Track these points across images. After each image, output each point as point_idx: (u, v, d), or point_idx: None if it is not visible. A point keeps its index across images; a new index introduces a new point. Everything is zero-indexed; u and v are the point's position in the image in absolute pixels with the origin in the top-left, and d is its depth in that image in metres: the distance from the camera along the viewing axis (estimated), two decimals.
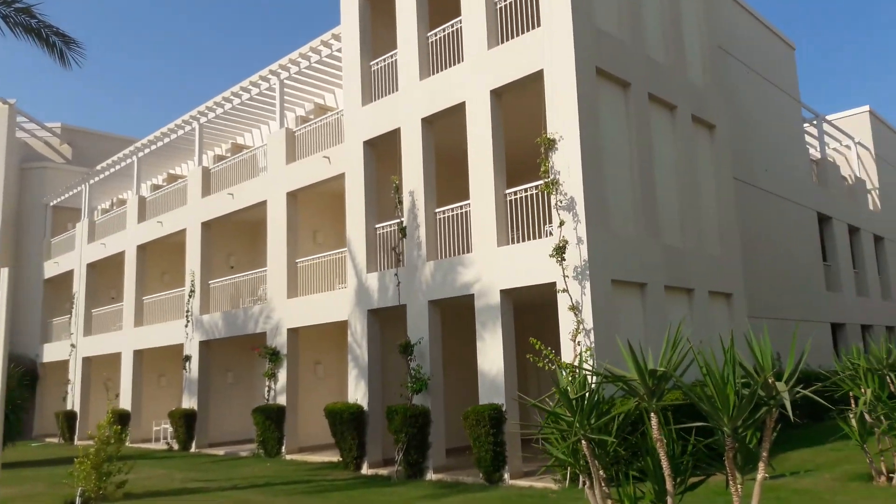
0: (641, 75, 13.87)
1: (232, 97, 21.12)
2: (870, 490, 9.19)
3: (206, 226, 21.47)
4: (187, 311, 21.07)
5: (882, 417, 9.44)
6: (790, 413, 4.67)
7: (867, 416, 9.67)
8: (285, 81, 19.61)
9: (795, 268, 20.71)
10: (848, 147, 27.94)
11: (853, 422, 9.81)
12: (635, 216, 13.29)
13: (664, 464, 5.44)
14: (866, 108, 28.67)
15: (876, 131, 28.90)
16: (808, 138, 24.84)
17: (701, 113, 15.64)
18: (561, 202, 12.04)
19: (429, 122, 14.48)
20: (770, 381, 4.87)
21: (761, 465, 4.98)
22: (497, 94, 13.31)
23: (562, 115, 12.17)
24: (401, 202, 14.54)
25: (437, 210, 14.22)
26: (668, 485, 5.43)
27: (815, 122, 25.18)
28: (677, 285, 13.84)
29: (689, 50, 16.00)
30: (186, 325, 21.00)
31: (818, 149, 25.22)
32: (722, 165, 16.14)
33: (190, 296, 21.07)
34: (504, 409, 12.06)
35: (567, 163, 12.03)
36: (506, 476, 11.91)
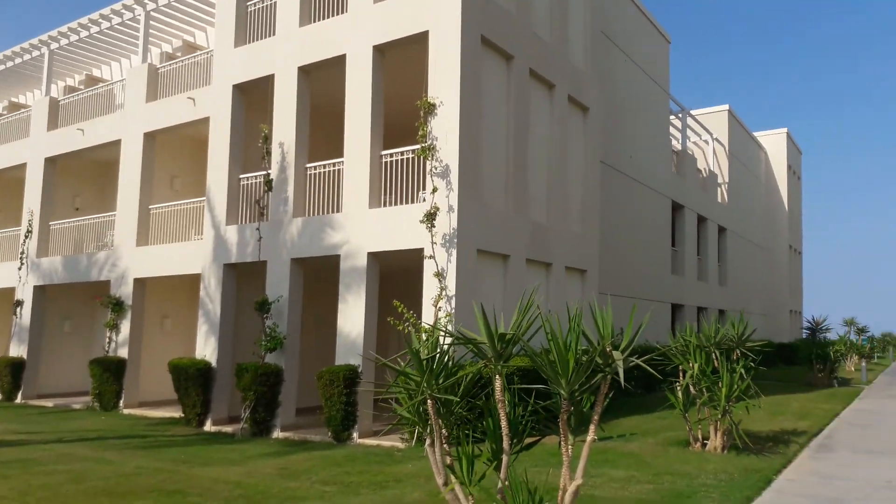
0: (525, 50, 14.04)
1: (90, 24, 19.33)
2: (685, 454, 10.03)
3: (51, 162, 19.68)
4: (22, 253, 19.33)
5: (704, 390, 10.31)
6: (622, 380, 4.94)
7: (692, 389, 10.52)
8: (152, 14, 18.18)
9: (647, 251, 22.07)
10: (706, 142, 30.00)
11: (679, 393, 10.65)
12: (506, 190, 13.54)
13: (503, 424, 5.61)
14: (726, 107, 30.88)
15: (732, 130, 31.24)
16: (671, 130, 26.39)
17: (577, 95, 16.12)
18: (436, 169, 12.02)
19: (305, 72, 13.96)
20: (608, 349, 5.12)
21: (592, 428, 5.26)
22: (380, 51, 13.01)
23: (444, 80, 12.10)
24: (269, 153, 13.97)
25: (309, 165, 13.80)
26: (505, 444, 5.61)
27: (680, 116, 26.76)
28: (538, 259, 14.31)
29: (572, 31, 16.38)
30: (20, 268, 19.28)
31: (680, 141, 26.85)
32: (591, 148, 16.76)
33: (26, 236, 19.33)
34: (360, 370, 12.04)
35: (445, 129, 12.01)
36: (355, 435, 11.94)
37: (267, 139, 13.92)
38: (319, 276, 15.02)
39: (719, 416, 10.13)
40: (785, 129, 38.70)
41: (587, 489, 7.93)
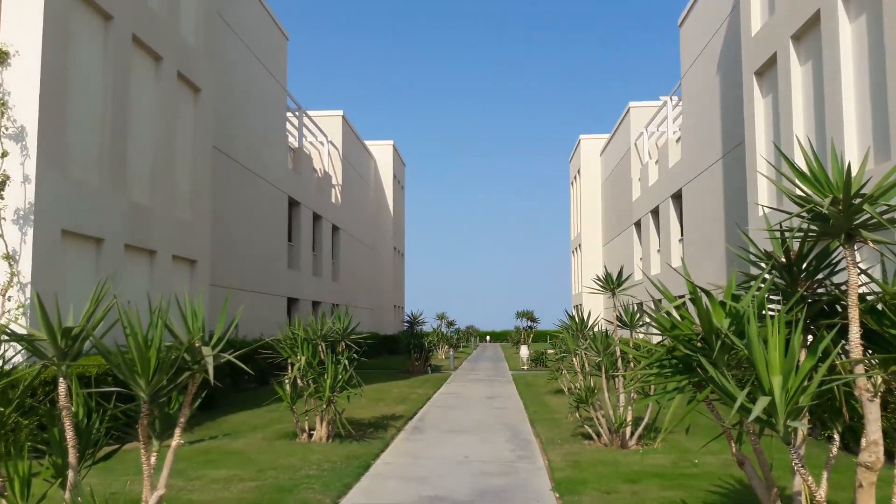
0: (128, 13, 12.45)
1: None
2: (291, 447, 9.85)
3: None
4: None
5: (310, 381, 10.25)
6: (211, 378, 4.37)
7: (299, 381, 10.39)
8: None
9: (263, 244, 21.70)
10: (322, 143, 30.89)
11: (287, 386, 10.43)
12: (101, 164, 11.81)
13: (68, 434, 4.57)
14: (340, 112, 32.22)
15: (345, 135, 32.73)
16: (289, 127, 26.48)
17: (188, 73, 14.93)
18: (7, 129, 9.84)
19: None
20: (197, 345, 4.49)
21: (178, 432, 4.56)
22: None
23: (22, 24, 9.98)
24: None
25: None
26: (71, 457, 4.57)
27: (297, 114, 27.00)
28: (140, 245, 12.82)
29: (185, 5, 15.11)
30: None
31: (297, 139, 27.10)
32: (202, 131, 15.70)
33: None
34: None
35: (22, 84, 9.90)
36: None
37: None
38: None
39: (324, 407, 10.16)
40: (391, 142, 42.26)
41: (186, 493, 7.15)
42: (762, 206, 7.04)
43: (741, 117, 18.35)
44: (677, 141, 25.83)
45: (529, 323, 50.53)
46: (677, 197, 25.76)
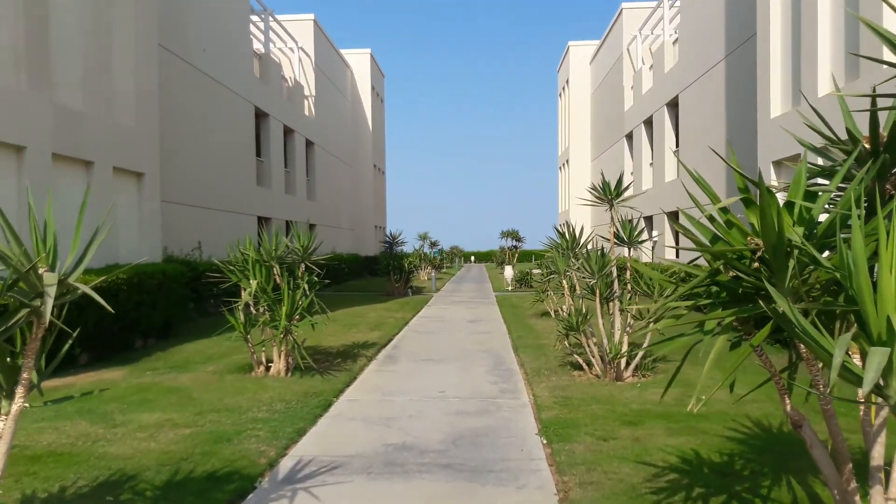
0: None
1: None
2: (244, 383, 8.68)
3: None
4: None
5: (265, 309, 8.99)
6: (47, 317, 3.03)
7: (253, 308, 9.13)
8: None
9: (228, 159, 20.05)
10: (292, 50, 28.65)
11: (240, 313, 9.18)
12: (17, 59, 10.09)
13: None
14: (311, 16, 29.81)
15: (318, 41, 30.42)
16: (255, 31, 24.29)
17: None
18: None
19: None
20: (41, 272, 3.12)
21: (18, 391, 3.25)
22: None
23: None
24: None
25: None
26: None
27: (263, 16, 24.75)
28: (72, 155, 11.26)
29: None
30: None
31: (263, 44, 24.95)
32: (145, 27, 13.80)
33: None
34: None
35: None
36: None
37: None
38: None
39: (281, 337, 8.93)
40: (368, 50, 39.75)
41: (102, 445, 5.98)
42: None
43: (746, 10, 16.63)
44: (674, 43, 23.96)
45: (514, 242, 49.51)
46: (673, 105, 24.16)
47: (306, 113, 29.05)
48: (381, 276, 24.09)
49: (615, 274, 8.61)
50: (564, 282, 9.03)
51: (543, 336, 12.90)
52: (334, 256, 29.28)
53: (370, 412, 7.33)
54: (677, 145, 23.66)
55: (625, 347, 8.66)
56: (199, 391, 8.26)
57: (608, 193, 8.38)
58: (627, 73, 31.04)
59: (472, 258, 78.34)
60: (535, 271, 39.29)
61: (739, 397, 7.26)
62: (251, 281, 8.86)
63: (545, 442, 6.16)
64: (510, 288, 26.93)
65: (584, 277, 8.40)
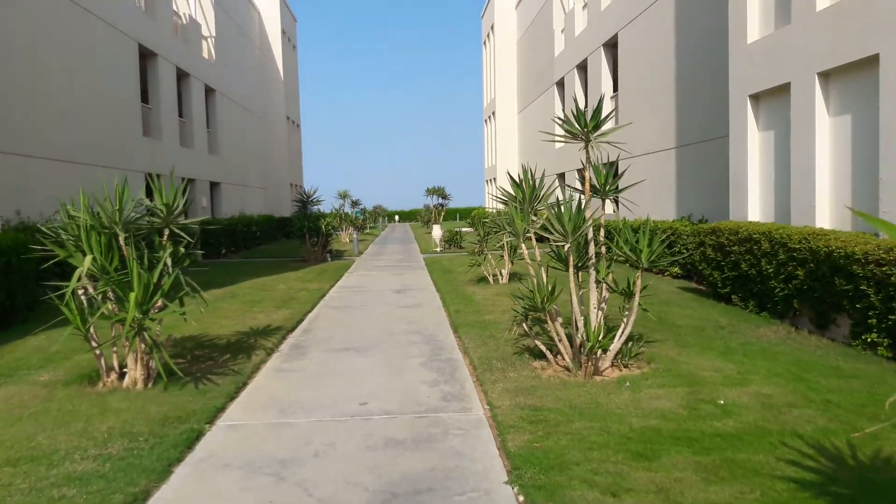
0: None
1: None
2: (80, 400, 6.10)
3: None
4: None
5: (107, 295, 6.39)
6: None
7: (92, 293, 6.51)
8: None
9: (103, 104, 16.76)
10: None
11: (77, 300, 6.55)
12: None
13: None
14: None
15: None
16: None
17: None
18: None
19: None
20: None
21: None
22: None
23: None
24: None
25: None
26: None
27: None
28: None
29: None
30: None
31: None
32: None
33: None
34: None
35: None
36: None
37: None
38: None
39: (132, 334, 6.35)
40: None
41: None
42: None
43: None
44: None
45: (440, 200, 47.22)
46: (611, 46, 22.12)
47: (205, 56, 25.51)
48: (295, 239, 21.39)
49: (591, 236, 6.43)
50: (523, 246, 6.77)
51: (486, 309, 10.73)
52: (241, 218, 26.27)
53: (256, 450, 4.95)
54: (615, 90, 21.73)
55: (603, 333, 6.55)
56: (5, 420, 5.65)
57: (583, 124, 6.12)
58: (558, 15, 28.79)
59: (397, 217, 75.81)
60: (466, 230, 37.25)
61: (750, 389, 5.22)
62: (85, 257, 6.21)
63: (522, 500, 3.98)
64: (439, 249, 24.72)
65: (554, 241, 6.16)
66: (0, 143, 12.56)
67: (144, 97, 20.47)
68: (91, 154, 15.80)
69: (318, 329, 9.74)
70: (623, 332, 6.64)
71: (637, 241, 6.36)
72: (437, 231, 25.34)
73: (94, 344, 6.71)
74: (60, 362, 7.67)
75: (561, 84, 28.51)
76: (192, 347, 8.42)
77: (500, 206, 29.79)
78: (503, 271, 14.21)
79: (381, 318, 10.49)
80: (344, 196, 37.18)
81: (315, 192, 21.74)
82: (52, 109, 14.36)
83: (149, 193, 20.25)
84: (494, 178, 41.31)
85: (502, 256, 14.60)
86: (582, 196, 6.49)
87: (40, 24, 14.07)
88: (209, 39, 26.10)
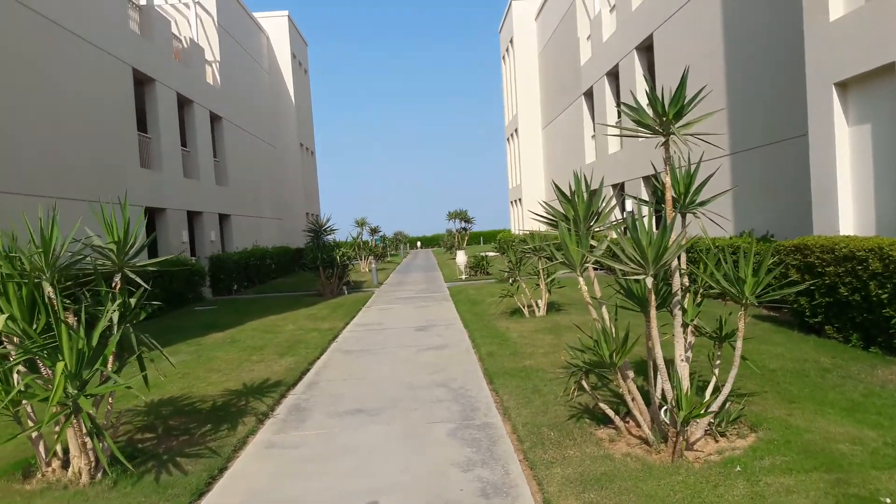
0: None
1: None
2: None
3: None
4: None
5: (28, 365, 4.83)
6: None
7: (11, 361, 4.95)
8: None
9: (93, 134, 15.45)
10: (187, 5, 23.86)
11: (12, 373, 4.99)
12: None
13: None
14: None
15: None
16: None
17: None
18: None
19: None
20: None
21: None
22: None
23: None
24: None
25: None
26: None
27: None
28: None
29: None
30: None
31: None
32: None
33: None
34: None
35: None
36: None
37: None
38: None
39: (63, 416, 4.77)
40: (286, 13, 34.90)
41: None
42: None
43: None
44: None
45: (464, 224, 45.64)
46: (645, 48, 20.50)
47: (209, 81, 24.32)
48: (309, 271, 19.88)
49: (677, 265, 4.75)
50: (581, 280, 5.09)
51: (524, 351, 9.03)
52: (254, 251, 24.87)
53: None
54: None
55: (694, 394, 4.83)
56: None
57: (662, 113, 4.47)
58: (582, 22, 27.28)
59: (419, 244, 74.37)
60: (492, 254, 35.52)
61: None
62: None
63: None
64: (464, 276, 23.06)
65: (627, 273, 4.47)
66: None
67: (143, 126, 19.21)
68: (77, 188, 14.45)
69: (325, 382, 8.11)
70: (722, 392, 4.93)
71: (735, 268, 4.67)
72: (461, 257, 23.71)
73: (30, 424, 5.15)
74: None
75: (589, 94, 26.91)
76: (168, 415, 6.82)
77: (529, 228, 28.10)
78: (539, 302, 12.50)
79: (400, 365, 8.83)
80: (361, 224, 35.75)
81: (328, 220, 20.27)
82: (31, 140, 13.04)
83: (149, 227, 18.89)
84: (520, 199, 39.66)
85: (538, 285, 12.89)
86: (658, 210, 4.82)
87: (16, 48, 12.82)
88: (214, 64, 24.94)
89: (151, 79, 18.81)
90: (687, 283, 5.23)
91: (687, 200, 5.15)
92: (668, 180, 4.70)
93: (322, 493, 4.61)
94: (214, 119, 24.49)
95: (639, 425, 5.24)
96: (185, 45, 22.17)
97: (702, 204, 5.28)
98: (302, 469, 5.14)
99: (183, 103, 21.55)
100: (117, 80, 16.75)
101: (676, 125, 4.55)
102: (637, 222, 4.36)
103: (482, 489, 4.53)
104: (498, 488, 4.53)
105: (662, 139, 4.62)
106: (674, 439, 4.79)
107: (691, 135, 4.54)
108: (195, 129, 22.11)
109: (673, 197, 5.06)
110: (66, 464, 5.28)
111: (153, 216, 18.99)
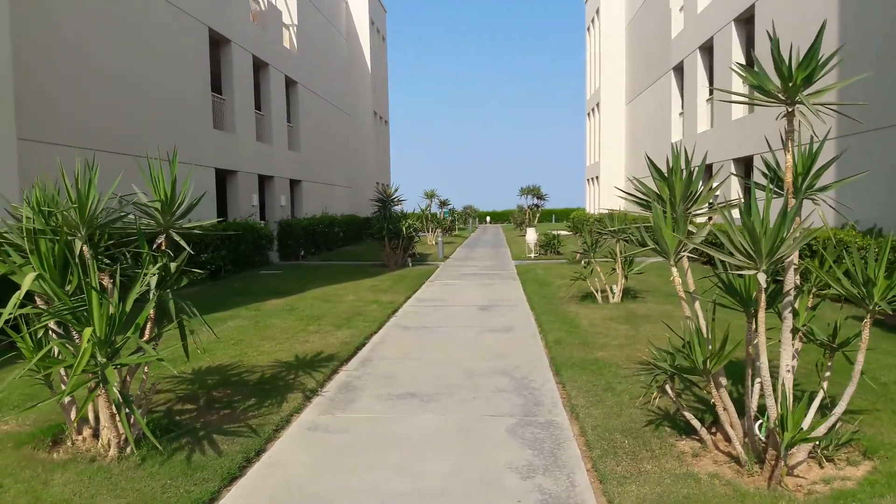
0: None
1: None
2: (27, 474, 4.23)
3: None
4: None
5: (62, 328, 4.49)
6: None
7: (51, 326, 4.63)
8: None
9: (168, 93, 15.40)
10: None
11: (42, 335, 4.71)
12: None
13: None
14: None
15: None
16: None
17: None
18: None
19: None
20: None
21: None
22: None
23: None
24: None
25: None
26: None
27: None
28: None
29: None
30: None
31: None
32: None
33: None
34: None
35: None
36: None
37: None
38: None
39: (91, 384, 4.42)
40: None
41: None
42: None
43: None
44: None
45: (536, 200, 44.58)
46: (744, 20, 19.01)
47: (286, 45, 24.13)
48: (375, 241, 19.57)
49: (794, 260, 3.97)
50: (675, 271, 4.36)
51: (596, 341, 8.32)
52: (323, 218, 24.76)
53: None
54: None
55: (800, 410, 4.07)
56: None
57: (788, 77, 3.67)
58: None
59: (488, 219, 73.57)
60: (564, 233, 34.50)
61: None
62: (28, 273, 4.32)
63: None
64: (533, 255, 22.29)
65: (735, 265, 3.73)
66: (45, 133, 11.24)
67: (217, 87, 19.14)
68: (152, 144, 14.42)
69: (380, 360, 7.64)
70: (833, 412, 4.15)
71: (865, 267, 3.85)
72: (531, 234, 22.93)
73: (57, 391, 4.86)
74: (19, 411, 5.85)
75: (679, 69, 25.43)
76: (214, 385, 6.50)
77: (607, 207, 26.96)
78: (614, 287, 11.70)
79: (460, 347, 8.28)
80: (431, 196, 35.27)
81: (396, 190, 19.83)
82: (102, 98, 13.01)
83: (223, 194, 18.89)
84: (597, 177, 38.33)
85: (613, 269, 12.07)
86: (776, 195, 4.04)
87: (91, 7, 12.74)
88: (291, 28, 24.73)
89: (228, 40, 18.67)
90: (799, 282, 4.44)
91: (805, 184, 4.33)
92: (789, 159, 3.91)
93: (359, 494, 4.11)
94: (290, 83, 24.34)
95: (728, 440, 4.53)
96: (263, 8, 21.98)
97: (822, 189, 4.45)
98: (342, 461, 4.66)
99: (259, 66, 21.41)
100: (193, 39, 16.64)
101: (805, 92, 3.74)
102: (752, 206, 3.60)
103: (542, 501, 3.94)
104: (561, 503, 3.93)
105: (785, 109, 3.81)
106: (772, 462, 4.06)
107: (823, 104, 3.73)
108: (270, 93, 21.98)
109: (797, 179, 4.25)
110: (97, 433, 4.98)
111: (224, 178, 18.99)
